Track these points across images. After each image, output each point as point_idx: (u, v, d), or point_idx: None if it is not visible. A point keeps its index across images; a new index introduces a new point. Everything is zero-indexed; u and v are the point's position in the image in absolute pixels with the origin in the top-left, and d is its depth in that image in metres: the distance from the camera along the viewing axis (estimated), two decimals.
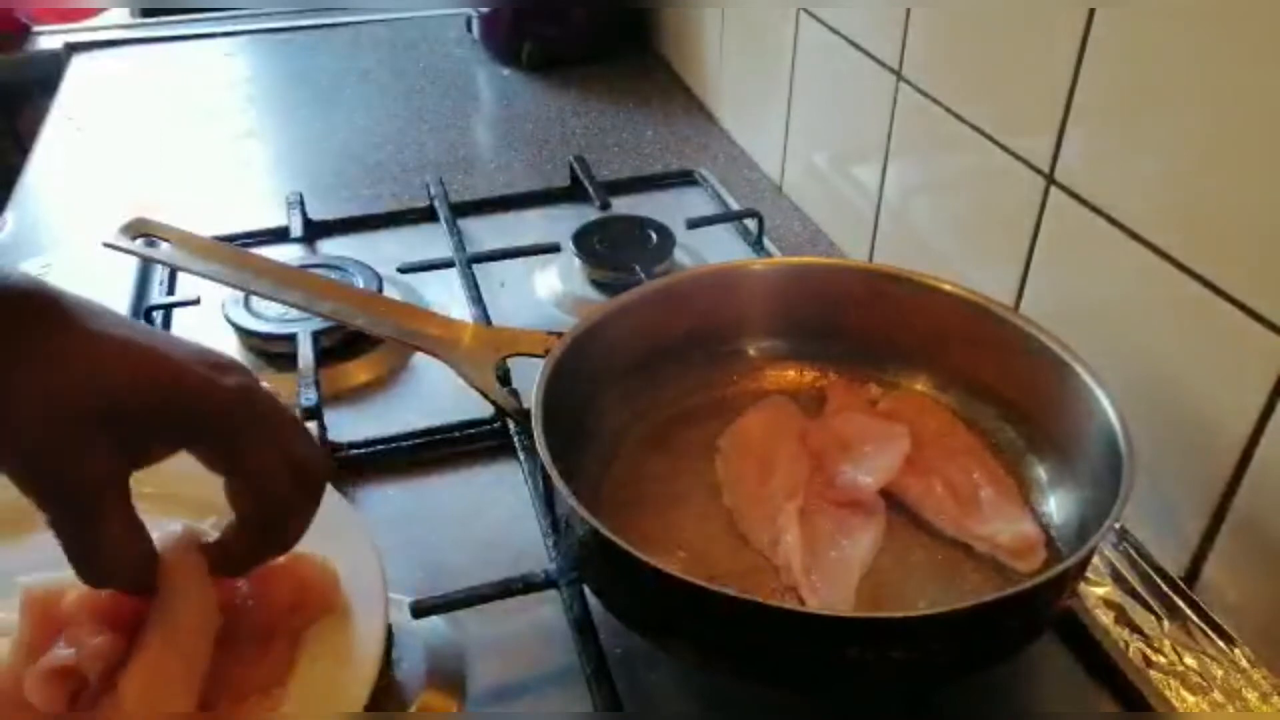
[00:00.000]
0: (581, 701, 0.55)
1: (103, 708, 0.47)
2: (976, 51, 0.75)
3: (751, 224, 0.95)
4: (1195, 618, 0.59)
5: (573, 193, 1.04)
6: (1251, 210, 0.55)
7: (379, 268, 0.87)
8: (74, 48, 1.40)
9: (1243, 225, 0.55)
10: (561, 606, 0.59)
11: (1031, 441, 0.65)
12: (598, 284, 0.89)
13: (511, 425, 0.71)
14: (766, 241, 0.95)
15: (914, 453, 0.64)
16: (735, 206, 1.01)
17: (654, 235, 0.91)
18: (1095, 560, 0.62)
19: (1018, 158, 0.72)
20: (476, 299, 0.85)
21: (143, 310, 0.83)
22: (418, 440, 0.72)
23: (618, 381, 0.67)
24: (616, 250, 0.89)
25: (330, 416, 0.72)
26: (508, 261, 0.91)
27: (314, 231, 0.97)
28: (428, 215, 0.99)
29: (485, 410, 0.72)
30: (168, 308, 0.85)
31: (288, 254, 0.93)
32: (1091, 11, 0.63)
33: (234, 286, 0.70)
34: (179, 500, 0.61)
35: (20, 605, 0.50)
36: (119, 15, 1.54)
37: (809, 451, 0.66)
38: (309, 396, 0.72)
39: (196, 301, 0.83)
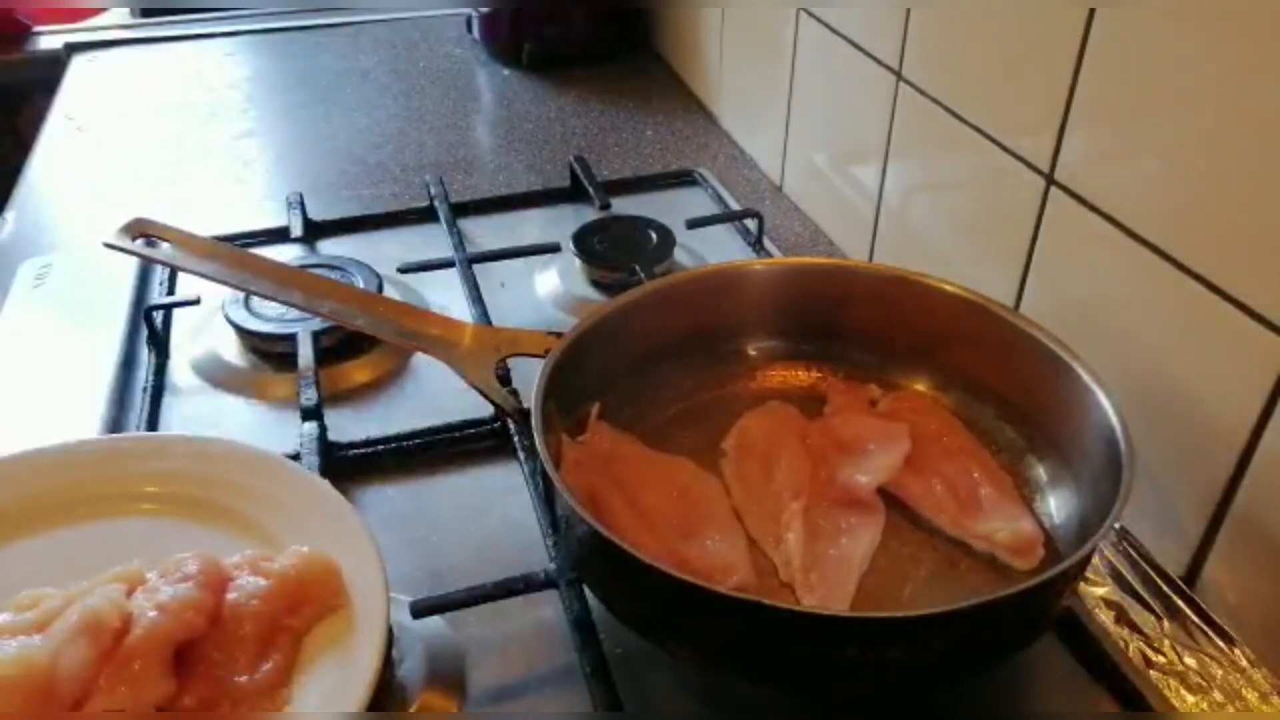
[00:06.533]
0: (581, 701, 0.55)
1: None
2: (976, 51, 0.75)
3: (751, 224, 0.95)
4: (1195, 618, 0.59)
5: (573, 193, 1.04)
6: (1251, 210, 0.55)
7: (379, 268, 0.88)
8: (74, 48, 1.40)
9: (1243, 225, 0.55)
10: (561, 606, 0.59)
11: (1031, 441, 0.65)
12: (598, 284, 0.89)
13: (511, 425, 0.71)
14: (766, 241, 0.95)
15: (914, 452, 0.64)
16: (735, 206, 1.02)
17: (654, 235, 0.91)
18: (1095, 560, 0.62)
19: (1018, 158, 0.72)
20: (476, 299, 0.85)
21: (143, 310, 0.83)
22: (418, 440, 0.72)
23: (618, 381, 0.67)
24: (616, 250, 0.89)
25: (330, 416, 0.72)
26: (508, 261, 0.91)
27: (314, 231, 0.97)
28: (428, 215, 0.99)
29: (485, 410, 0.72)
30: (168, 308, 0.85)
31: (288, 254, 0.94)
32: (1091, 11, 0.63)
33: (234, 286, 0.70)
34: (182, 501, 0.62)
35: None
36: (119, 15, 1.54)
37: (810, 451, 0.66)
38: (309, 396, 0.72)
39: (196, 301, 0.83)
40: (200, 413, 0.77)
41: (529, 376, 0.60)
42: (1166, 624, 0.59)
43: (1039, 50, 0.68)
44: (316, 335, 0.78)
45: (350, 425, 0.73)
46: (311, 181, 1.08)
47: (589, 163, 1.04)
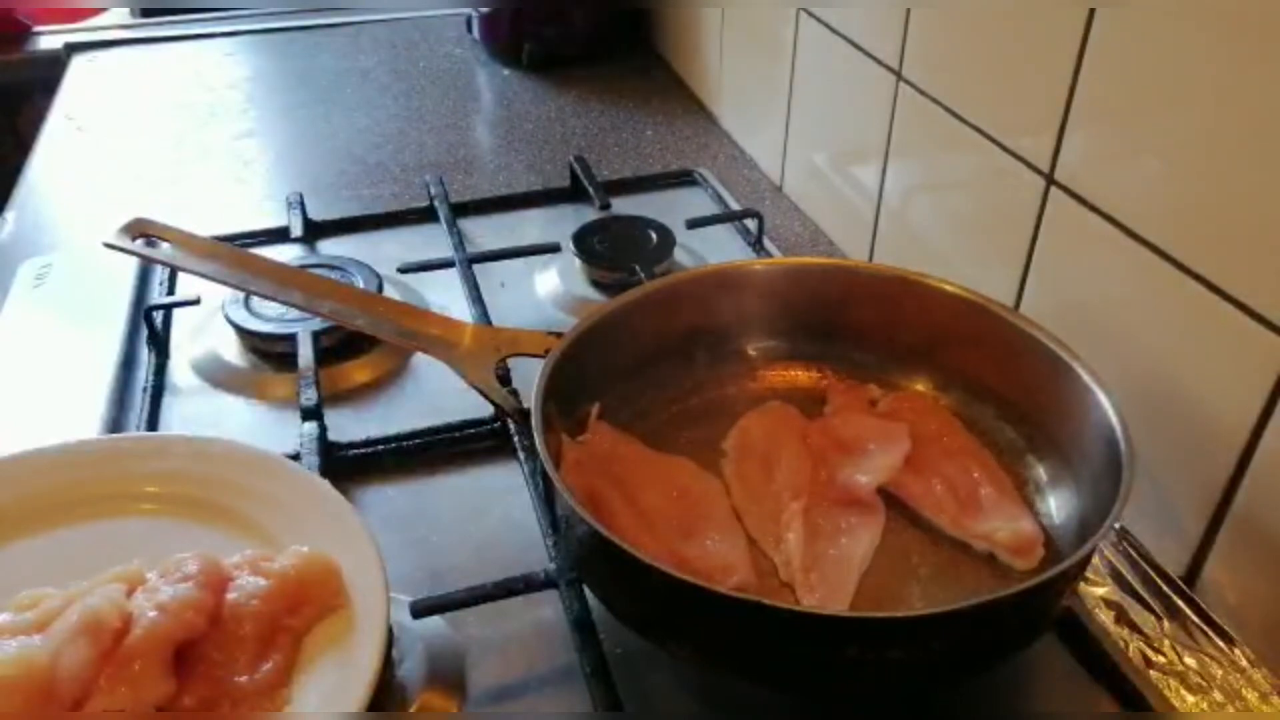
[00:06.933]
0: (581, 701, 0.55)
1: None
2: (976, 51, 0.75)
3: (751, 224, 0.95)
4: (1195, 618, 0.59)
5: (573, 193, 1.04)
6: (1251, 210, 0.55)
7: (379, 268, 0.88)
8: (74, 48, 1.40)
9: (1243, 225, 0.55)
10: (561, 606, 0.59)
11: (1031, 441, 0.65)
12: (598, 284, 0.89)
13: (511, 425, 0.71)
14: (766, 241, 0.95)
15: (914, 452, 0.64)
16: (735, 206, 1.02)
17: (654, 235, 0.91)
18: (1095, 560, 0.62)
19: (1018, 158, 0.72)
20: (476, 299, 0.85)
21: (143, 310, 0.83)
22: (418, 440, 0.72)
23: (618, 381, 0.67)
24: (616, 250, 0.89)
25: (330, 416, 0.72)
26: (508, 261, 0.91)
27: (314, 231, 0.97)
28: (428, 215, 0.99)
29: (485, 410, 0.72)
30: (168, 308, 0.85)
31: (288, 254, 0.93)
32: (1091, 11, 0.63)
33: (234, 286, 0.70)
34: (182, 501, 0.62)
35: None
36: (119, 15, 1.54)
37: (810, 451, 0.66)
38: (309, 396, 0.72)
39: (196, 301, 0.83)
40: (200, 413, 0.77)
41: (529, 376, 0.60)
42: (1166, 624, 0.59)
43: (1039, 50, 0.68)
44: (316, 335, 0.78)
45: (350, 425, 0.73)
46: (311, 181, 1.08)
47: (589, 163, 1.04)
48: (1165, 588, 0.60)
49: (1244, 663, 0.56)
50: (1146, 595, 0.60)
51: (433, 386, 0.78)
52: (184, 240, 0.69)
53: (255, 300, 0.81)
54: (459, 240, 0.93)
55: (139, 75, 1.35)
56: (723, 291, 0.71)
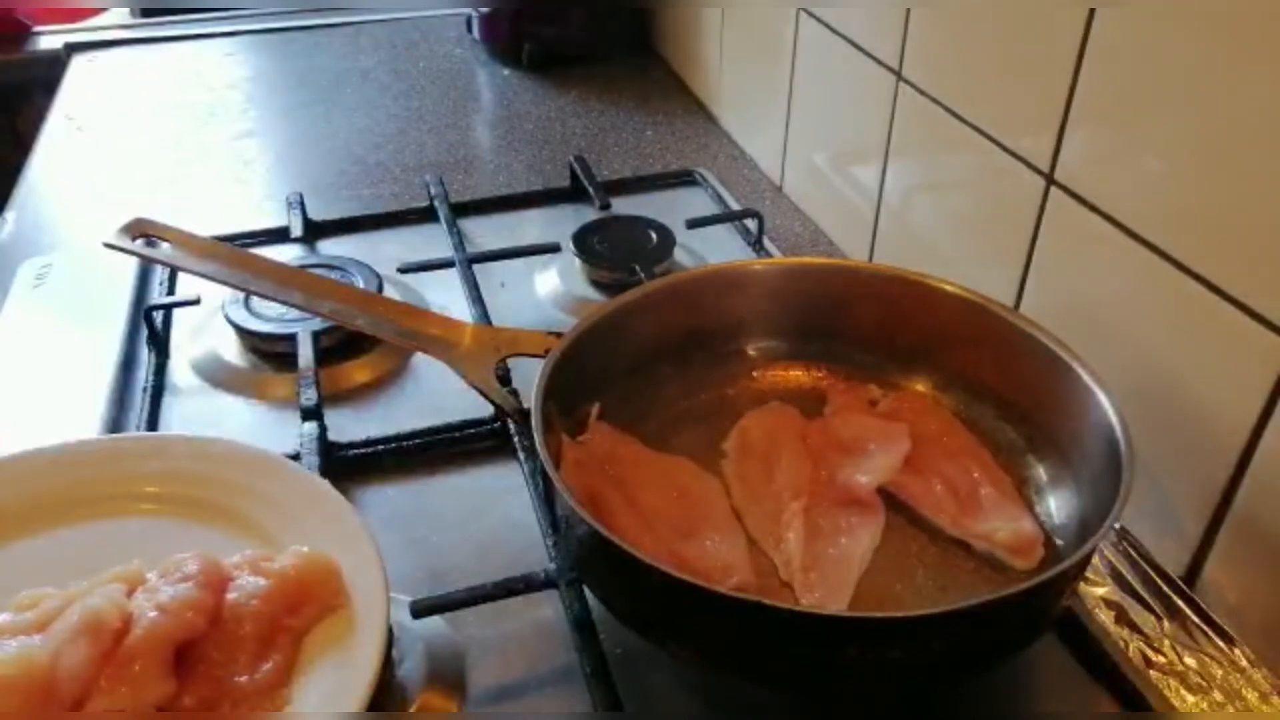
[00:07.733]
0: (581, 701, 0.55)
1: None
2: (976, 51, 0.75)
3: (751, 224, 0.95)
4: (1195, 618, 0.59)
5: (573, 193, 1.04)
6: (1251, 210, 0.55)
7: (379, 268, 0.88)
8: (74, 48, 1.40)
9: (1243, 225, 0.55)
10: (561, 606, 0.59)
11: (1031, 441, 0.65)
12: (598, 284, 0.89)
13: (511, 425, 0.71)
14: (766, 241, 0.95)
15: (914, 452, 0.64)
16: (735, 206, 1.02)
17: (654, 235, 0.91)
18: (1095, 560, 0.62)
19: (1018, 158, 0.72)
20: (476, 299, 0.85)
21: (143, 310, 0.83)
22: (418, 440, 0.72)
23: (618, 381, 0.67)
24: (616, 250, 0.89)
25: (330, 416, 0.72)
26: (508, 261, 0.91)
27: (314, 231, 0.97)
28: (428, 215, 0.99)
29: (485, 410, 0.72)
30: (168, 308, 0.85)
31: (288, 254, 0.93)
32: (1091, 11, 0.63)
33: (234, 286, 0.70)
34: (182, 501, 0.62)
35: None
36: (119, 15, 1.54)
37: (810, 451, 0.66)
38: (309, 396, 0.72)
39: (196, 301, 0.83)
40: (200, 413, 0.77)
41: (529, 376, 0.60)
42: (1166, 624, 0.59)
43: (1039, 50, 0.68)
44: (316, 335, 0.78)
45: (350, 425, 0.73)
46: (311, 181, 1.08)
47: (589, 163, 1.04)
48: (1165, 588, 0.60)
49: (1244, 663, 0.56)
50: (1146, 595, 0.60)
51: (433, 386, 0.78)
52: (184, 240, 0.69)
53: (255, 300, 0.81)
54: (459, 240, 0.93)
55: (139, 75, 1.35)
56: (722, 291, 0.71)
